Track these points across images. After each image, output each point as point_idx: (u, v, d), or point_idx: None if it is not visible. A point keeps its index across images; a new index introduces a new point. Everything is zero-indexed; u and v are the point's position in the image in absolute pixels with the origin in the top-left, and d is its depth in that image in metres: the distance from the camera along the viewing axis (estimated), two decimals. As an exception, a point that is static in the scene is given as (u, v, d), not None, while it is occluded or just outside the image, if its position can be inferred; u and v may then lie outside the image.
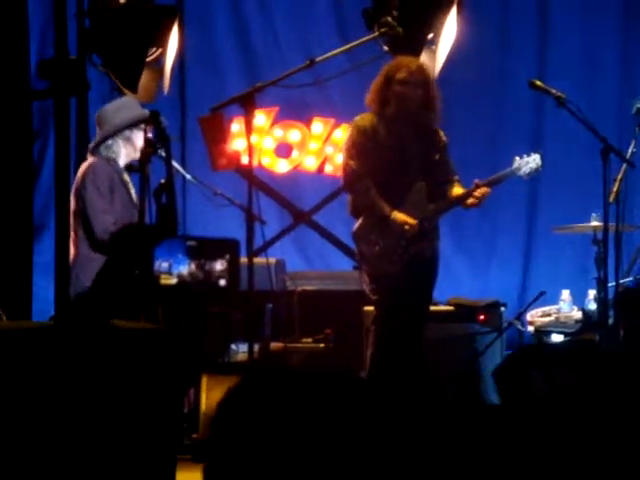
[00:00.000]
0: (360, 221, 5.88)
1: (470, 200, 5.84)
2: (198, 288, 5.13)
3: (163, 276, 5.06)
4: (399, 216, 5.77)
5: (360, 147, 5.82)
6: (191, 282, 5.05)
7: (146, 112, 5.73)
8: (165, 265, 5.04)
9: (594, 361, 2.37)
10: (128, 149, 5.89)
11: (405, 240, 5.78)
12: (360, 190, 5.83)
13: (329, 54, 5.86)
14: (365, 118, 5.90)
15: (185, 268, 5.04)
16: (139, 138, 5.81)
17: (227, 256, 5.24)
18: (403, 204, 5.84)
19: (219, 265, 5.12)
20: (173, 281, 5.05)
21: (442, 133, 5.97)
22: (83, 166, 5.88)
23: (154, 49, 6.94)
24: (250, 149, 5.44)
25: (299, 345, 6.50)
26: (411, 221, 5.77)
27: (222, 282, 5.10)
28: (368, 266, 5.84)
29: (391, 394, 1.47)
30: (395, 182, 5.84)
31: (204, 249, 5.19)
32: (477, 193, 5.82)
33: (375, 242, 5.81)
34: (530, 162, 5.96)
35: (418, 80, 5.82)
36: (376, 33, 6.21)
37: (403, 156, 5.85)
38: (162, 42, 7.03)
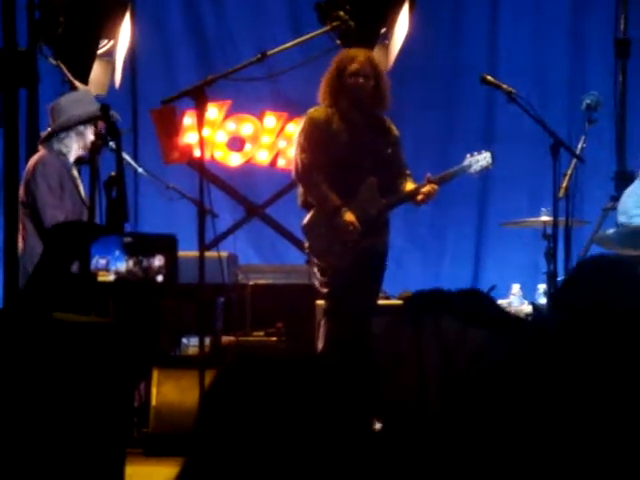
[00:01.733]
0: (310, 214, 5.88)
1: (419, 197, 5.88)
2: (136, 284, 5.11)
3: (101, 273, 5.03)
4: (347, 215, 5.78)
5: (313, 140, 5.82)
6: (129, 278, 5.03)
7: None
8: (102, 262, 5.01)
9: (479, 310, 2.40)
10: (80, 144, 5.86)
11: (357, 234, 5.80)
12: (311, 183, 5.83)
13: (281, 47, 5.85)
14: (319, 110, 5.90)
15: (123, 265, 5.01)
16: (90, 133, 5.78)
17: (164, 253, 5.21)
18: (354, 198, 5.85)
19: (157, 261, 5.10)
20: (110, 278, 5.02)
21: (394, 127, 5.99)
22: (33, 159, 5.83)
23: (105, 41, 6.90)
24: (202, 142, 5.42)
25: (251, 339, 6.49)
26: (356, 224, 5.77)
27: (159, 278, 5.08)
28: (318, 259, 5.85)
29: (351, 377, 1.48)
30: (347, 176, 5.85)
31: (141, 245, 5.16)
32: (425, 190, 5.86)
33: (325, 235, 5.81)
34: (481, 160, 6.01)
35: (369, 71, 5.84)
36: (329, 27, 6.22)
37: (355, 150, 5.86)
38: (113, 34, 6.99)
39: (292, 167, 6.01)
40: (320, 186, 5.79)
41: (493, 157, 6.02)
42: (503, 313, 2.55)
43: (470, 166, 6.00)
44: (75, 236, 5.30)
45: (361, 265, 5.80)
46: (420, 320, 2.30)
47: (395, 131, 5.99)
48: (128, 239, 5.00)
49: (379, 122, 5.94)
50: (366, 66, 5.83)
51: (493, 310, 2.42)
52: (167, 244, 5.08)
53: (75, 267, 5.26)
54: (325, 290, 5.84)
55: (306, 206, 5.92)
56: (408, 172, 5.99)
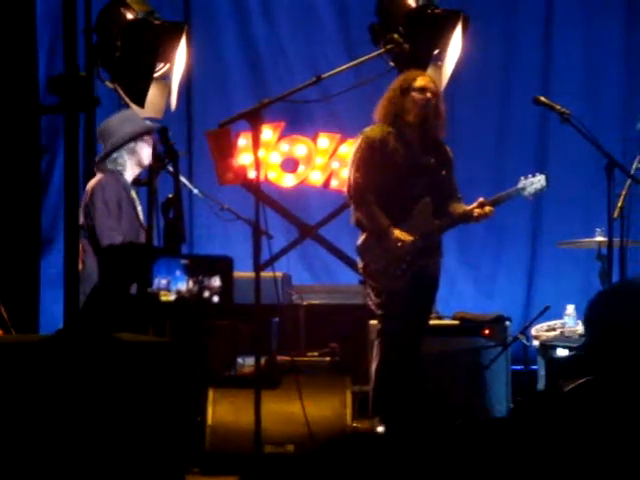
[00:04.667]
0: (364, 235, 5.90)
1: (475, 215, 5.89)
2: (195, 304, 5.17)
3: (162, 292, 5.10)
4: (395, 232, 5.80)
5: (368, 159, 5.85)
6: (189, 298, 5.09)
7: (149, 124, 5.78)
8: (164, 282, 5.08)
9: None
10: (133, 161, 5.93)
11: (409, 256, 5.81)
12: (362, 202, 5.85)
13: (336, 70, 5.89)
14: (375, 130, 5.92)
15: (183, 285, 5.08)
16: (144, 150, 5.85)
17: (221, 273, 5.27)
18: (408, 219, 5.87)
19: (214, 282, 5.16)
20: (172, 297, 5.09)
21: (448, 148, 6.02)
22: (92, 182, 5.91)
23: (162, 64, 6.99)
24: (257, 163, 5.47)
25: (305, 359, 6.52)
26: (405, 238, 5.79)
27: (215, 299, 5.14)
28: (372, 280, 5.87)
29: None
30: (401, 196, 5.87)
31: (199, 266, 5.22)
32: (480, 212, 5.87)
33: (379, 257, 5.83)
34: (535, 182, 6.00)
35: (433, 89, 5.89)
36: (382, 49, 6.25)
37: (411, 170, 5.88)
38: (169, 57, 7.07)
39: (345, 186, 6.04)
40: (371, 206, 5.82)
41: (547, 180, 6.01)
42: None
43: (524, 189, 5.99)
44: (130, 257, 5.37)
45: (415, 286, 5.81)
46: None
47: (449, 153, 6.01)
48: (186, 260, 5.06)
49: (435, 143, 5.96)
50: (431, 84, 5.89)
51: None
52: (223, 265, 5.13)
53: (134, 288, 5.33)
54: (380, 312, 5.86)
55: (359, 225, 5.94)
56: (459, 195, 6.00)
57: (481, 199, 5.90)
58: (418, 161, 5.89)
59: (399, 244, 5.78)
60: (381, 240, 5.81)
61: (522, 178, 6.01)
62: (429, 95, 5.85)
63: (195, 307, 5.09)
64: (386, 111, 5.90)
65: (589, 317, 2.44)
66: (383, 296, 5.82)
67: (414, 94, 5.85)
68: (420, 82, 5.87)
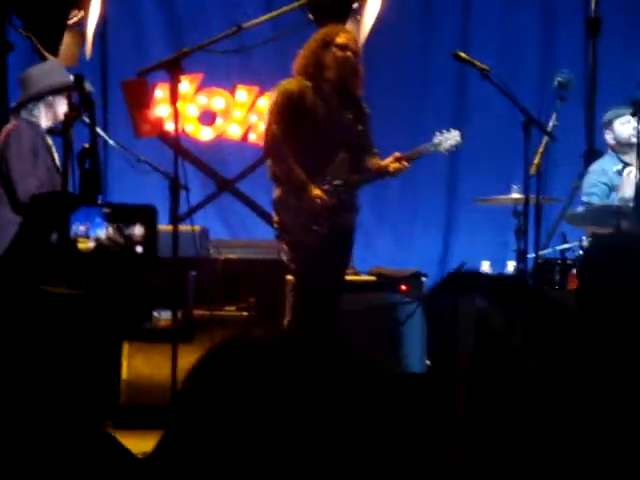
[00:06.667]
0: (280, 189, 5.86)
1: (390, 171, 5.90)
2: (116, 254, 5.07)
3: (81, 240, 4.99)
4: (313, 190, 5.77)
5: (285, 112, 5.79)
6: (109, 246, 4.99)
7: (71, 79, 5.64)
8: (82, 229, 4.97)
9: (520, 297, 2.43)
10: (49, 114, 5.81)
11: (325, 211, 5.79)
12: (279, 156, 5.80)
13: (255, 21, 5.82)
14: (292, 83, 5.86)
15: (103, 232, 4.97)
16: (61, 104, 5.73)
17: (144, 222, 5.18)
18: (325, 173, 5.85)
19: (137, 230, 5.07)
20: (91, 245, 4.98)
21: (365, 105, 6.00)
22: (6, 128, 5.78)
23: (76, 12, 6.85)
24: (176, 115, 5.39)
25: (222, 313, 6.49)
26: (323, 196, 5.77)
27: (139, 249, 5.05)
28: (287, 235, 5.84)
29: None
30: (318, 151, 5.83)
31: (121, 214, 5.12)
32: (395, 166, 5.87)
33: (295, 211, 5.80)
34: (450, 138, 6.02)
35: (353, 47, 5.85)
36: (302, 1, 6.20)
37: (329, 125, 5.85)
38: (84, 5, 6.94)
39: (262, 139, 5.98)
40: (287, 159, 5.77)
41: (462, 135, 6.03)
42: (542, 299, 2.56)
43: (440, 144, 6.01)
44: (54, 206, 5.25)
45: (330, 241, 5.80)
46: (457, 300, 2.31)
47: (366, 109, 5.99)
48: (107, 209, 4.97)
49: (352, 99, 5.93)
50: (352, 42, 5.86)
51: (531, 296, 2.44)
52: (147, 213, 5.04)
53: (54, 237, 5.21)
54: (293, 266, 5.84)
55: (275, 179, 5.89)
56: (376, 150, 5.99)
57: (397, 154, 5.91)
58: (335, 116, 5.86)
59: (317, 201, 5.75)
60: (298, 195, 5.78)
61: (437, 133, 6.02)
62: (349, 53, 5.81)
63: (118, 258, 5.00)
64: (306, 63, 5.85)
65: (583, 261, 2.44)
66: (297, 251, 5.80)
67: (335, 50, 5.80)
68: (341, 39, 5.82)
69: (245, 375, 1.40)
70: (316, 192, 5.76)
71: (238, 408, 1.38)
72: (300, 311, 5.79)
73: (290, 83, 5.86)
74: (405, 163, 5.90)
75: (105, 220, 4.96)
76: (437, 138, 6.01)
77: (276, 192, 5.87)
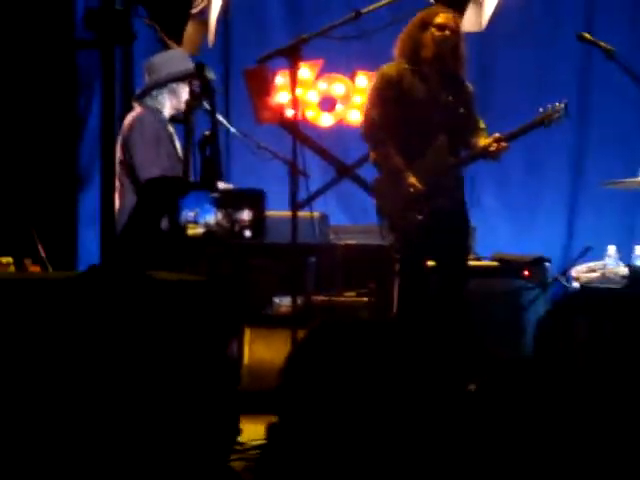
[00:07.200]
0: (379, 175, 5.83)
1: (490, 155, 5.78)
2: (226, 239, 5.09)
3: (190, 226, 5.04)
4: (410, 178, 5.70)
5: (383, 96, 5.77)
6: (218, 231, 5.03)
7: (192, 67, 5.71)
8: (191, 215, 5.02)
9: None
10: (173, 102, 5.90)
11: (423, 197, 5.72)
12: (376, 141, 5.78)
13: (375, 5, 5.80)
14: (391, 67, 5.85)
15: (212, 217, 5.01)
16: (184, 91, 5.80)
17: (252, 207, 5.19)
18: (422, 158, 5.77)
19: (245, 215, 5.10)
20: (200, 230, 5.03)
21: (469, 85, 5.92)
22: (129, 116, 5.88)
23: (199, 1, 6.93)
24: (295, 102, 5.41)
25: (342, 299, 6.50)
26: (418, 185, 5.69)
27: (247, 233, 5.07)
28: (387, 220, 5.81)
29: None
30: (417, 133, 5.78)
31: (230, 199, 5.15)
32: (496, 146, 5.75)
33: (394, 197, 5.75)
34: (554, 113, 5.85)
35: (453, 27, 5.80)
36: (422, -16, 6.15)
37: (427, 107, 5.78)
38: (207, -6, 7.00)
39: (361, 124, 5.95)
40: (385, 144, 5.73)
41: (567, 109, 5.86)
42: None
43: (544, 119, 5.84)
44: (168, 191, 5.32)
45: (430, 227, 5.71)
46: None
47: (469, 87, 5.92)
48: (216, 194, 5.00)
49: (453, 80, 5.86)
50: (451, 22, 5.81)
51: None
52: (255, 198, 5.06)
53: (165, 223, 5.29)
54: (396, 254, 5.80)
55: (375, 164, 5.87)
56: (483, 126, 5.90)
57: (497, 134, 5.81)
58: (435, 98, 5.80)
59: (411, 189, 5.70)
60: (394, 181, 5.73)
61: (541, 110, 5.87)
62: (447, 33, 5.75)
63: (227, 242, 5.03)
64: (404, 45, 5.83)
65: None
66: (397, 236, 5.75)
67: (433, 30, 5.76)
68: (440, 19, 5.78)
69: (339, 354, 1.39)
70: (411, 180, 5.71)
71: (334, 385, 1.37)
72: (403, 295, 5.75)
73: (389, 67, 5.85)
74: (504, 144, 5.79)
75: (214, 206, 4.99)
76: (541, 114, 5.87)
77: (376, 177, 5.85)
